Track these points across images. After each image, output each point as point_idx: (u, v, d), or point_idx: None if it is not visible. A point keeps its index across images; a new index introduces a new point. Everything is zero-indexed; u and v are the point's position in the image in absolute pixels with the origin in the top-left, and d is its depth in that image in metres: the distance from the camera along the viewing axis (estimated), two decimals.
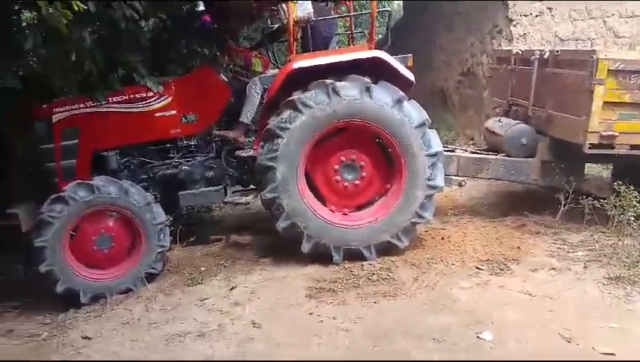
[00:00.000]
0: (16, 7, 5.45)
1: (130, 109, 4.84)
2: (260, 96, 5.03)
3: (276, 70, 5.09)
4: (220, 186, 5.11)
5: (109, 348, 3.59)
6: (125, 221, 4.55)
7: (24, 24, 5.61)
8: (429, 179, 4.66)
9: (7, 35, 5.41)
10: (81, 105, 4.78)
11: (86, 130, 4.78)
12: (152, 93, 4.85)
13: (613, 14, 7.44)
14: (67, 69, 4.62)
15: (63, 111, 4.77)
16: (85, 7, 3.86)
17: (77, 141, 4.78)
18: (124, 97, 4.83)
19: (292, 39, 4.75)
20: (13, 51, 5.49)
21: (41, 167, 4.82)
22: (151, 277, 4.57)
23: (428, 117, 4.69)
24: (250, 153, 5.03)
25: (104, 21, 4.55)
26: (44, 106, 4.86)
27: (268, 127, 4.61)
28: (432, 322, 3.69)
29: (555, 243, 4.90)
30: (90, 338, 3.77)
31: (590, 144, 4.74)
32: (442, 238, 5.02)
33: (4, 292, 4.81)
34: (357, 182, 4.81)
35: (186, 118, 4.99)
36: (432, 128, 4.75)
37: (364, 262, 4.57)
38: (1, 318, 4.40)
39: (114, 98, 4.80)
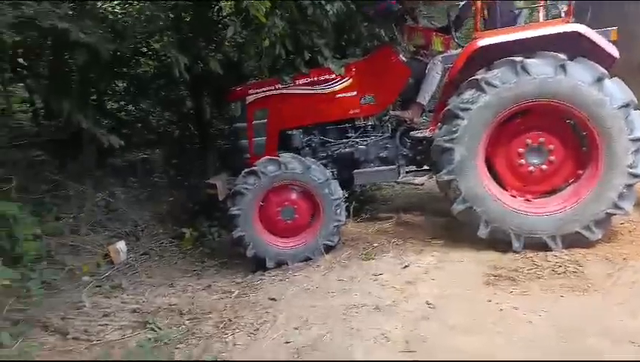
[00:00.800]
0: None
1: (314, 91, 5.11)
2: (440, 76, 4.93)
3: (459, 49, 4.93)
4: (394, 166, 5.16)
5: (292, 311, 3.86)
6: (306, 195, 4.85)
7: (224, 14, 6.23)
8: (630, 167, 4.17)
9: (210, 25, 6.08)
10: (271, 87, 5.18)
11: (274, 110, 5.18)
12: (334, 76, 5.05)
13: None
14: (260, 53, 5.04)
15: (256, 93, 5.22)
16: None
17: (266, 120, 5.21)
18: (308, 80, 5.11)
19: (478, 16, 4.55)
20: (215, 39, 6.18)
21: (236, 143, 5.37)
22: (328, 249, 4.82)
23: (634, 97, 4.16)
24: (425, 134, 4.99)
25: (294, 7, 4.83)
26: (239, 88, 5.37)
27: (448, 107, 4.51)
28: (630, 324, 3.31)
29: None
30: (275, 300, 4.10)
31: None
32: None
33: (205, 252, 5.50)
34: (544, 166, 4.48)
35: (364, 98, 5.11)
36: (637, 110, 4.20)
37: (549, 253, 4.27)
38: (203, 274, 5.04)
39: (300, 80, 5.11)
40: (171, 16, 5.29)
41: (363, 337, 3.40)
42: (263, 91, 5.21)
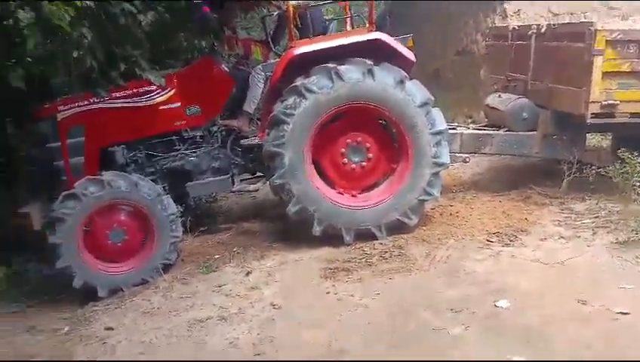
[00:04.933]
0: (11, 9, 5.45)
1: (134, 104, 4.86)
2: (262, 84, 5.06)
3: (277, 58, 5.11)
4: (227, 175, 5.15)
5: (133, 337, 3.64)
6: (137, 214, 4.58)
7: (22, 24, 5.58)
8: (434, 157, 4.72)
9: (6, 37, 5.40)
10: (85, 103, 4.80)
11: (91, 126, 4.81)
12: (154, 87, 4.87)
13: None
14: (69, 66, 4.64)
15: (68, 109, 4.79)
16: (86, 4, 3.87)
17: (83, 138, 4.81)
18: (127, 92, 4.85)
19: (291, 26, 4.78)
20: (13, 53, 5.50)
21: (50, 165, 4.85)
22: (166, 268, 4.61)
23: (431, 95, 4.74)
24: (256, 141, 5.08)
25: (103, 17, 4.55)
26: (47, 105, 4.87)
27: (273, 113, 4.65)
28: (449, 294, 3.77)
29: (561, 212, 5.00)
30: (113, 329, 3.82)
31: (592, 114, 4.81)
32: (450, 214, 5.09)
33: (22, 290, 4.85)
34: (364, 163, 4.86)
35: (189, 109, 5.02)
36: (435, 107, 4.80)
37: (376, 242, 4.65)
38: (23, 316, 4.44)
39: (117, 93, 4.82)
40: None
41: (212, 349, 3.35)
42: (77, 107, 4.80)
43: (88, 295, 4.42)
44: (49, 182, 4.88)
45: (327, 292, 3.93)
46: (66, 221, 4.34)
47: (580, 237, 4.42)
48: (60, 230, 4.34)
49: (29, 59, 5.57)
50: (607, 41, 4.70)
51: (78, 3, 3.63)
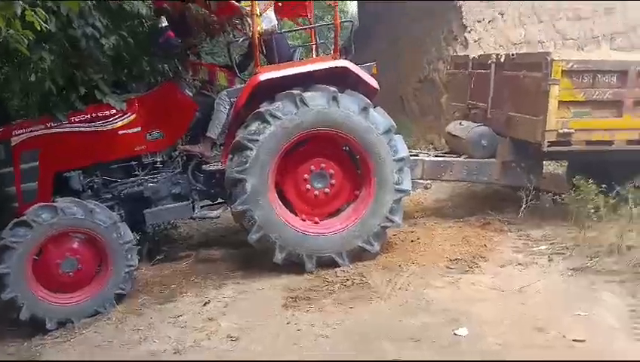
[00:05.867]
0: None
1: (93, 128, 4.75)
2: (227, 110, 5.01)
3: (242, 83, 5.10)
4: (188, 202, 5.05)
5: None
6: (91, 242, 4.43)
7: None
8: (396, 184, 4.75)
9: None
10: (41, 127, 4.66)
11: (46, 151, 4.66)
12: (114, 111, 4.77)
13: (561, 18, 7.81)
14: (26, 89, 4.52)
15: (22, 134, 4.64)
16: (47, 27, 3.77)
17: (37, 163, 4.65)
18: (85, 116, 4.74)
19: (257, 52, 4.78)
20: None
21: (1, 191, 4.67)
22: (120, 298, 4.45)
23: (393, 123, 4.79)
24: (218, 167, 5.01)
25: (64, 40, 4.46)
26: (1, 129, 4.71)
27: (236, 139, 4.61)
28: (409, 322, 3.75)
29: (519, 238, 5.09)
30: None
31: (548, 142, 4.96)
32: (412, 241, 5.12)
33: None
34: (327, 190, 4.85)
35: (150, 134, 4.93)
36: (397, 134, 4.85)
37: (338, 269, 4.61)
38: None
39: (75, 117, 4.71)
40: None
41: None
42: (32, 131, 4.65)
43: (36, 327, 4.21)
44: (1, 208, 4.70)
45: (288, 323, 3.85)
46: (15, 249, 4.15)
47: (536, 263, 4.50)
48: (8, 259, 4.14)
49: None
50: (563, 70, 4.87)
51: (38, 27, 3.52)
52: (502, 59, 5.62)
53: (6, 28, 3.55)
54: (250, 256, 4.98)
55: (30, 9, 3.40)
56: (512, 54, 5.63)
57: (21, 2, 3.21)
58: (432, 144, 8.30)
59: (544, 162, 5.92)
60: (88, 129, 4.74)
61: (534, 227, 5.26)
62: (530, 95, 5.12)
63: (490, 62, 5.71)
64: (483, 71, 5.89)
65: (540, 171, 5.72)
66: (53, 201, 4.44)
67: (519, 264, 4.53)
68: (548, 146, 4.99)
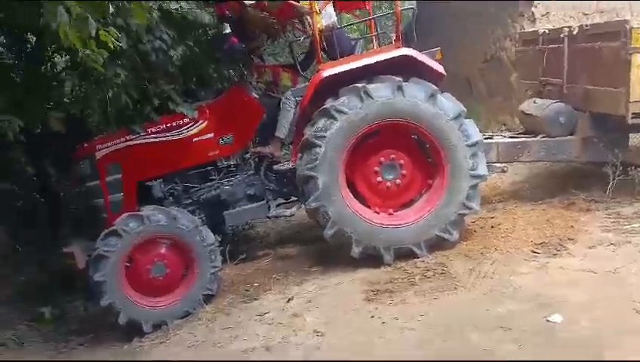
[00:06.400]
0: (48, 55, 5.68)
1: (169, 138, 4.95)
2: (293, 109, 5.08)
3: (306, 82, 5.14)
4: (263, 201, 5.17)
5: None
6: (177, 246, 4.63)
7: (59, 68, 5.81)
8: (471, 169, 4.62)
9: (44, 82, 5.62)
10: (121, 140, 4.91)
11: (128, 163, 4.91)
12: (187, 120, 4.95)
13: None
14: (104, 105, 4.78)
15: (105, 148, 4.90)
16: (119, 44, 3.97)
17: (120, 175, 4.91)
18: (161, 127, 4.95)
19: (319, 49, 4.79)
20: (51, 96, 5.71)
21: (90, 204, 4.98)
22: (208, 299, 4.62)
23: (463, 107, 4.66)
24: (289, 166, 5.09)
25: (135, 55, 4.67)
26: (85, 145, 5.01)
27: (305, 137, 4.65)
28: (496, 311, 3.63)
29: (608, 217, 4.80)
30: None
31: (633, 114, 4.63)
32: (492, 226, 4.95)
33: (71, 330, 4.93)
34: (398, 181, 4.79)
35: (222, 139, 5.08)
36: (468, 118, 4.71)
37: (417, 260, 4.55)
38: (72, 354, 4.51)
39: (152, 129, 4.93)
40: None
41: None
42: (113, 145, 4.92)
43: (133, 331, 4.46)
44: (91, 220, 5.00)
45: (371, 316, 3.85)
46: (108, 258, 4.41)
47: (630, 242, 4.22)
48: (103, 267, 4.40)
49: (66, 101, 5.81)
50: None
51: (111, 45, 3.71)
52: (575, 32, 5.31)
53: (83, 49, 3.78)
54: (326, 251, 5.02)
55: (103, 29, 3.59)
56: (586, 25, 5.30)
57: (94, 23, 3.39)
58: (504, 125, 7.99)
59: (630, 135, 5.55)
60: (164, 139, 4.95)
61: (624, 204, 4.94)
62: (609, 66, 4.80)
63: (562, 35, 5.41)
64: (555, 45, 5.58)
65: (625, 145, 5.36)
66: (139, 210, 4.68)
67: (611, 244, 4.27)
68: (632, 118, 4.67)
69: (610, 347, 3.03)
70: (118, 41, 3.92)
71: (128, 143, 4.91)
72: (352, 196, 4.78)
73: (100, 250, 4.43)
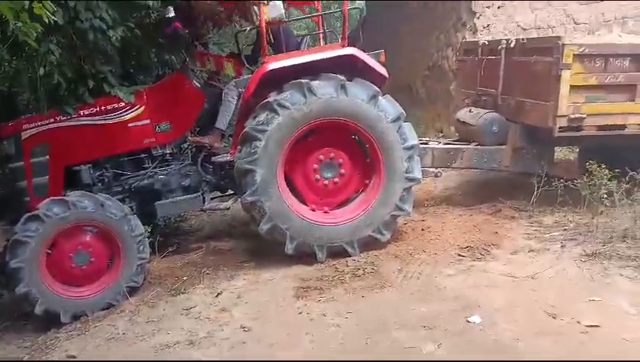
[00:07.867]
0: None
1: (102, 121, 4.76)
2: (235, 100, 5.00)
3: (250, 74, 5.07)
4: (198, 193, 5.06)
5: None
6: (103, 235, 4.45)
7: None
8: (406, 172, 4.71)
9: None
10: (51, 120, 4.68)
11: (57, 145, 4.68)
12: (123, 104, 4.78)
13: (571, 2, 7.67)
14: (35, 83, 4.53)
15: (32, 128, 4.66)
16: (54, 19, 3.77)
17: (47, 157, 4.67)
18: (95, 109, 4.74)
19: (264, 41, 4.75)
20: None
21: (12, 185, 4.70)
22: (132, 291, 4.47)
23: (403, 111, 4.75)
24: (227, 158, 5.00)
25: (72, 33, 4.45)
26: (10, 124, 4.73)
27: (245, 130, 4.60)
28: (421, 311, 3.73)
29: (531, 225, 5.04)
30: (75, 357, 3.67)
31: (560, 128, 4.89)
32: (422, 229, 5.09)
33: None
34: (336, 179, 4.83)
35: (159, 126, 4.93)
36: (406, 122, 4.81)
37: (349, 258, 4.60)
38: None
39: (85, 111, 4.72)
40: None
41: None
42: (42, 125, 4.67)
43: (51, 321, 4.25)
44: (12, 203, 4.73)
45: (300, 313, 3.86)
46: (28, 244, 4.18)
47: (549, 250, 4.46)
48: (21, 253, 4.17)
49: None
50: (574, 55, 4.79)
51: (46, 19, 3.51)
52: (512, 45, 5.53)
53: (14, 21, 3.56)
54: (261, 246, 4.99)
55: (38, 1, 3.40)
56: (523, 39, 5.55)
57: None
58: (441, 132, 8.24)
59: (555, 148, 5.85)
60: (98, 122, 4.75)
61: (546, 213, 5.21)
62: (541, 80, 5.05)
63: (500, 47, 5.64)
64: (493, 57, 5.81)
65: (551, 157, 5.66)
66: (65, 195, 4.46)
67: (531, 251, 4.49)
68: (559, 132, 4.92)
69: (526, 347, 3.17)
70: (53, 16, 3.74)
71: (58, 124, 4.69)
72: (289, 192, 4.77)
73: (18, 235, 4.19)
